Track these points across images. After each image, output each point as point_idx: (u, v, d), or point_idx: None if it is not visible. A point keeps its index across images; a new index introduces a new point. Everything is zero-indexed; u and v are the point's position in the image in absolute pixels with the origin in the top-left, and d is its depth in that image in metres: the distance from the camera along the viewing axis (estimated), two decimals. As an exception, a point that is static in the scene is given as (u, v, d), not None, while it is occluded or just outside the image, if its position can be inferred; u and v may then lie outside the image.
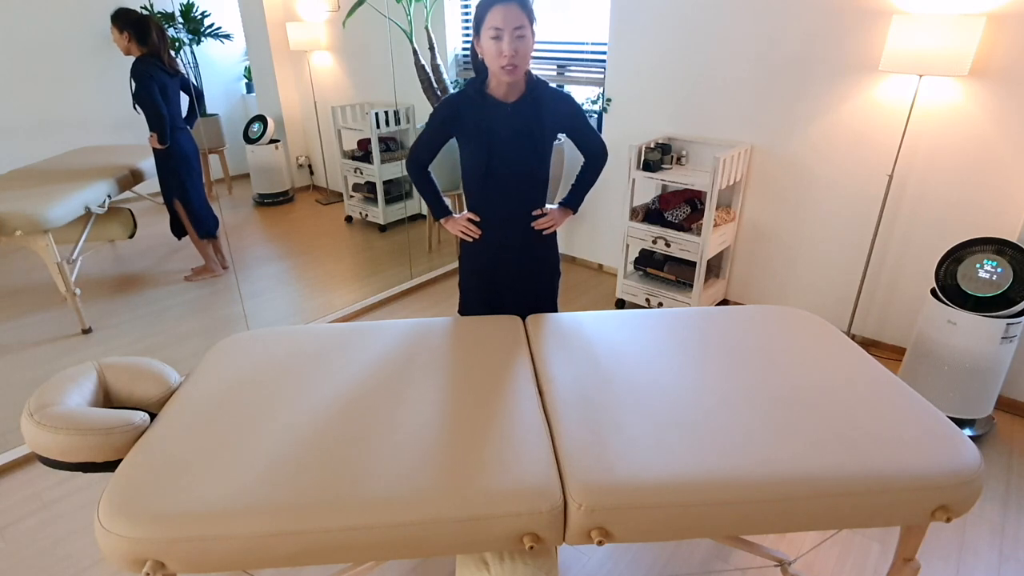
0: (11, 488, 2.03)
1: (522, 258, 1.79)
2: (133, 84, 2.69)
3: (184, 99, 2.98)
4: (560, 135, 3.13)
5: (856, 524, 1.11)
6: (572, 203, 1.82)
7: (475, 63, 1.64)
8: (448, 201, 1.82)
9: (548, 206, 1.78)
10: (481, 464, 1.10)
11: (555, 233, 1.83)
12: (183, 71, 2.85)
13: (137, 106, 2.74)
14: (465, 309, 1.90)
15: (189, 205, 3.13)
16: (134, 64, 2.66)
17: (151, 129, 2.82)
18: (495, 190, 1.70)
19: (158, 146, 2.85)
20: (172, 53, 2.77)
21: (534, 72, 1.65)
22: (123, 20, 2.55)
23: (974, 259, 2.06)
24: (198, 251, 3.30)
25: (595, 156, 1.79)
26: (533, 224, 1.75)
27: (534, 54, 3.52)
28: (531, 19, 1.53)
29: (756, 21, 2.64)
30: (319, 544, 1.01)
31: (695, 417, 1.22)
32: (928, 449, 1.13)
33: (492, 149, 1.63)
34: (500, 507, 1.03)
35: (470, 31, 3.82)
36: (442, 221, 1.80)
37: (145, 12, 2.65)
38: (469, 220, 1.75)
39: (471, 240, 1.77)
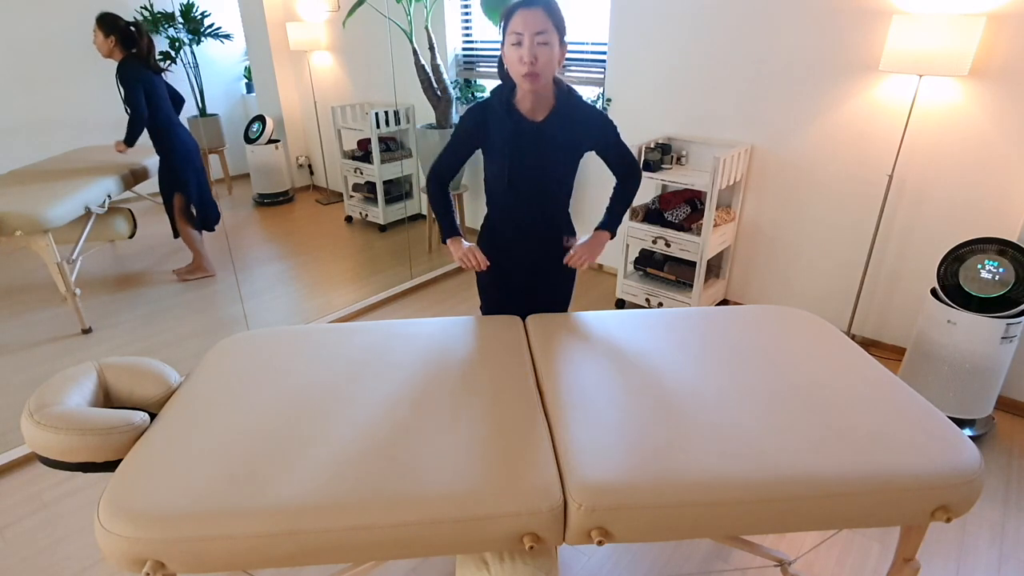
0: (11, 488, 2.03)
1: (539, 261, 1.77)
2: (121, 87, 2.69)
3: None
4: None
5: (856, 524, 1.11)
6: (610, 226, 1.70)
7: (501, 72, 1.58)
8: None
9: (581, 239, 1.69)
10: (481, 464, 1.10)
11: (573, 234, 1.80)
12: (164, 68, 2.85)
13: (127, 107, 2.75)
14: (485, 309, 1.90)
15: (191, 199, 3.14)
16: (120, 66, 2.66)
17: (128, 128, 2.82)
18: (516, 200, 1.67)
19: (123, 148, 2.83)
20: (156, 53, 2.77)
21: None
22: (110, 25, 2.55)
23: (975, 259, 2.06)
24: (191, 250, 3.29)
25: (626, 177, 1.70)
26: (565, 261, 1.67)
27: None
28: (558, 26, 1.44)
29: (756, 21, 2.64)
30: (319, 544, 1.01)
31: (695, 417, 1.22)
32: (928, 449, 1.13)
33: (515, 166, 1.59)
34: (500, 507, 1.03)
35: (470, 31, 3.83)
36: (448, 242, 1.69)
37: (136, 18, 2.66)
38: (474, 253, 1.66)
39: (477, 269, 1.68)
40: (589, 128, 1.60)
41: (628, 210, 1.76)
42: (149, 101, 2.81)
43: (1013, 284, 1.98)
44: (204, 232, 3.34)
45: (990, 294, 2.01)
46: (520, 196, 1.65)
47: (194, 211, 3.20)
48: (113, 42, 2.57)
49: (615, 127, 1.64)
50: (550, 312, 1.84)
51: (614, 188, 1.74)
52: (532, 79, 1.46)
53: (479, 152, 1.68)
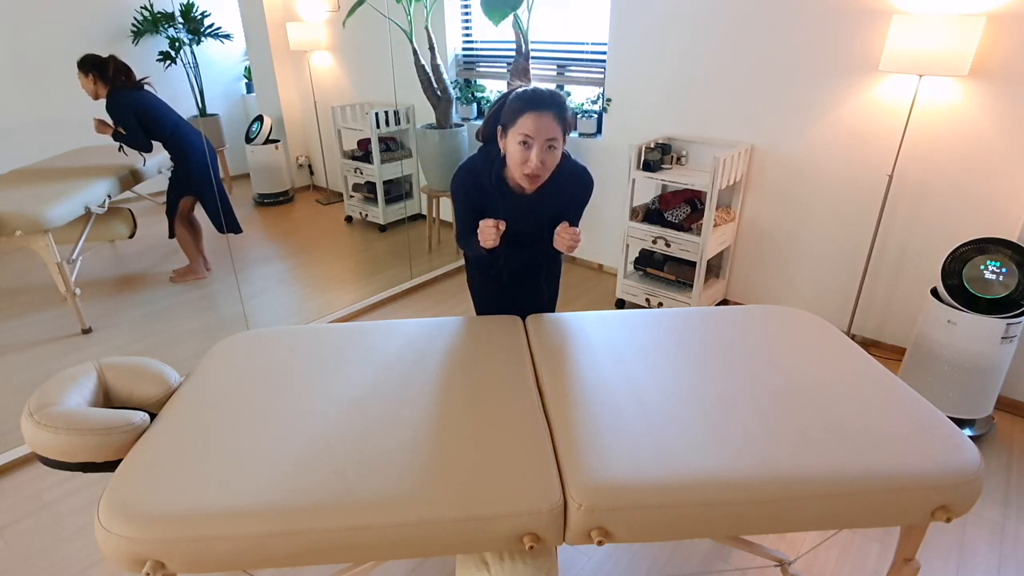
0: (11, 488, 2.03)
1: (528, 265, 1.79)
2: (113, 122, 2.72)
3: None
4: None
5: (856, 524, 1.11)
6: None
7: (487, 137, 1.55)
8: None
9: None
10: (481, 464, 1.10)
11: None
12: (142, 81, 2.85)
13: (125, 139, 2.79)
14: (478, 308, 1.91)
15: (207, 204, 3.15)
16: (107, 103, 2.67)
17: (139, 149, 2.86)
18: (507, 250, 1.70)
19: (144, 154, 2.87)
20: (133, 75, 2.78)
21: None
22: (87, 65, 2.58)
23: (979, 259, 2.06)
24: (185, 252, 3.30)
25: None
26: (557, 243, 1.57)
27: (534, 54, 3.52)
28: (565, 128, 1.42)
29: (756, 21, 2.64)
30: (319, 544, 1.01)
31: (695, 417, 1.22)
32: (928, 449, 1.13)
33: (508, 234, 1.59)
34: (500, 507, 1.03)
35: (470, 31, 3.83)
36: (479, 237, 1.55)
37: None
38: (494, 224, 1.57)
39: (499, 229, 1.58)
40: (575, 196, 1.61)
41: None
42: (147, 120, 2.82)
43: (1016, 285, 1.98)
44: (203, 234, 3.34)
45: (996, 294, 2.01)
46: (511, 248, 1.69)
47: (220, 216, 3.21)
48: (93, 79, 2.60)
49: (590, 194, 1.64)
50: (540, 306, 1.86)
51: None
52: (533, 181, 1.45)
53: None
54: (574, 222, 1.64)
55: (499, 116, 1.47)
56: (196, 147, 3.01)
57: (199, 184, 3.09)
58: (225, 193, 3.26)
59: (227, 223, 3.26)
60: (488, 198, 1.58)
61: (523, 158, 1.41)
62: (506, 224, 1.53)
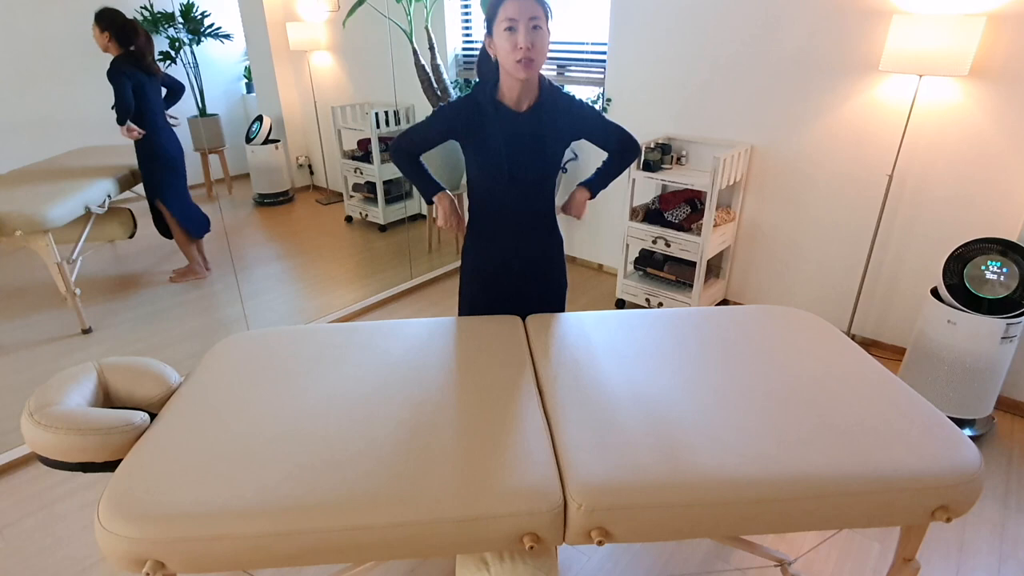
0: (11, 488, 2.03)
1: (530, 260, 1.74)
2: (110, 84, 2.68)
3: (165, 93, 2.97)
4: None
5: (856, 524, 1.11)
6: (593, 186, 1.74)
7: (482, 67, 1.59)
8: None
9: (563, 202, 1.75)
10: (481, 464, 1.10)
11: (560, 239, 1.78)
12: (163, 71, 2.82)
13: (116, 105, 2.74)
14: (464, 312, 1.84)
15: (172, 206, 3.12)
16: (111, 63, 2.64)
17: (117, 113, 2.80)
18: (506, 196, 1.66)
19: (120, 126, 2.82)
20: (154, 54, 2.75)
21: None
22: (106, 21, 2.55)
23: (979, 259, 2.06)
24: (183, 252, 3.29)
25: (623, 150, 1.73)
26: (562, 211, 1.71)
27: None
28: (547, 12, 1.47)
29: (756, 21, 2.64)
30: (319, 544, 1.01)
31: (695, 417, 1.22)
32: (928, 449, 1.13)
33: (505, 162, 1.58)
34: (500, 507, 1.03)
35: (470, 31, 3.83)
36: (437, 198, 1.70)
37: (135, 19, 2.66)
38: (459, 217, 1.71)
39: (456, 233, 1.74)
40: (573, 116, 1.62)
41: (614, 180, 1.81)
42: (136, 100, 2.80)
43: (1016, 285, 1.98)
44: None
45: (997, 295, 2.01)
46: (509, 190, 1.65)
47: (180, 221, 3.18)
48: (108, 37, 2.57)
49: (597, 111, 1.67)
50: (548, 290, 1.82)
51: (609, 158, 1.76)
52: (527, 65, 1.45)
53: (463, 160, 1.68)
54: (599, 129, 1.67)
55: (485, 45, 1.53)
56: (166, 150, 2.98)
57: (163, 189, 3.06)
58: (189, 199, 3.23)
59: (194, 226, 3.23)
60: (485, 119, 1.57)
61: (512, 44, 1.43)
62: (503, 148, 1.57)
